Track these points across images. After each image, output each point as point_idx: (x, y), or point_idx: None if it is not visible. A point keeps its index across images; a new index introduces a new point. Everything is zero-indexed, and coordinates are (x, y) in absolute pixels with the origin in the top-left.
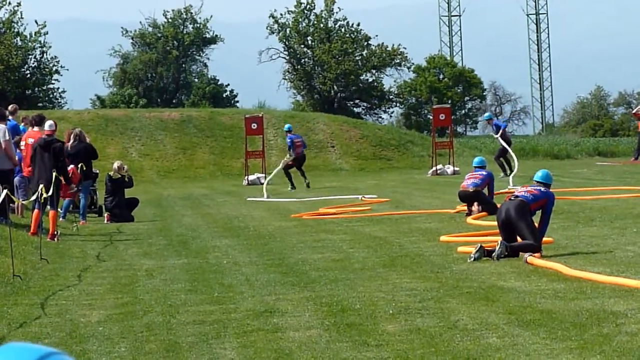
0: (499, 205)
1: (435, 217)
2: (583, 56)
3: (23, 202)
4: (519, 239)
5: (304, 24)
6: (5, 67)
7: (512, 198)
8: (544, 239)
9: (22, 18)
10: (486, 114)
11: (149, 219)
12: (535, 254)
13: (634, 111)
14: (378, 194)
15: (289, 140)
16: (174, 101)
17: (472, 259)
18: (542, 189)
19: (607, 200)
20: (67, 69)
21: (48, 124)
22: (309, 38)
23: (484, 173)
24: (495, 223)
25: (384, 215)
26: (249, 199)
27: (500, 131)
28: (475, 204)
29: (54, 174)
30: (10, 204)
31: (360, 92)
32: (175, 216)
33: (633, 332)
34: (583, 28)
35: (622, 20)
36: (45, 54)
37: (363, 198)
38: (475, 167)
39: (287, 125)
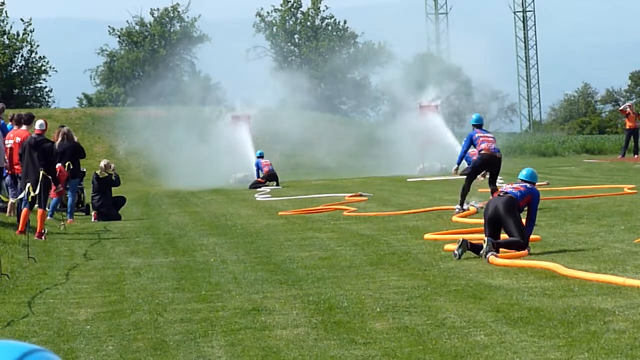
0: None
1: (422, 215)
2: (570, 53)
3: (12, 201)
4: (505, 235)
5: (290, 22)
6: None
7: (501, 194)
8: (531, 236)
9: (7, 17)
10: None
11: (136, 217)
12: (523, 251)
13: (621, 108)
14: (365, 192)
15: (255, 167)
16: (161, 99)
17: (457, 256)
18: (528, 185)
19: (595, 198)
20: (56, 70)
21: (38, 123)
22: (295, 36)
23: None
24: (480, 221)
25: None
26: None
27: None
28: (487, 174)
29: (42, 173)
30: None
31: (347, 89)
32: (162, 214)
33: (621, 329)
34: (570, 25)
35: (609, 17)
36: (33, 53)
37: (361, 194)
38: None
39: (258, 152)
